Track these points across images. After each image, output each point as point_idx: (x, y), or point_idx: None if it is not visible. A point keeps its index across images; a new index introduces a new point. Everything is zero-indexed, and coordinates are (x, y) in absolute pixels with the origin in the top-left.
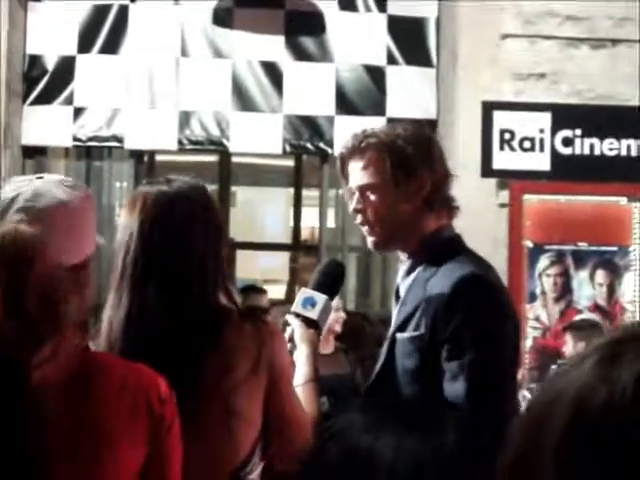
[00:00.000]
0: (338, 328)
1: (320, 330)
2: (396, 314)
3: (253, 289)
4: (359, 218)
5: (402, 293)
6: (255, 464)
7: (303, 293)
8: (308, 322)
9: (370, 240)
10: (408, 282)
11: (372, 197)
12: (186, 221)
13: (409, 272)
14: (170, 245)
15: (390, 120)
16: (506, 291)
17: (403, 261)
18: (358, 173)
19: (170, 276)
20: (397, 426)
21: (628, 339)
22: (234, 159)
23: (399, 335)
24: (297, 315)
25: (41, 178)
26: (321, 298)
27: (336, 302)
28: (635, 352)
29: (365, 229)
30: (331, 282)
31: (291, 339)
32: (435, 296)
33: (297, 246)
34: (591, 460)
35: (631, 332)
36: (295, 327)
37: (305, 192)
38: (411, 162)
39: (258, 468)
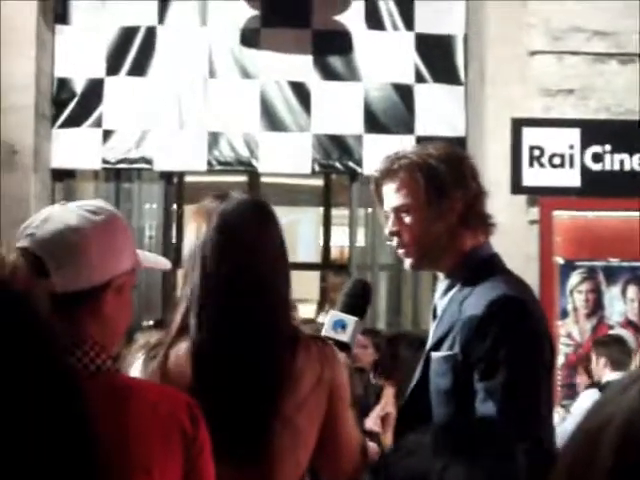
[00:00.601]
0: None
1: (351, 352)
2: (432, 333)
3: None
4: (395, 241)
5: (439, 312)
6: None
7: (333, 316)
8: (340, 345)
9: (407, 261)
10: (445, 301)
11: (407, 218)
12: (257, 235)
13: (446, 291)
14: (239, 267)
15: (419, 138)
16: (540, 310)
17: (441, 280)
18: (392, 195)
19: (243, 301)
20: (466, 453)
21: None
22: (263, 179)
23: (434, 354)
24: (329, 339)
25: (63, 205)
26: (351, 320)
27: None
28: None
29: (401, 251)
30: (358, 302)
31: None
32: (469, 316)
33: (327, 265)
34: None
35: None
36: None
37: (334, 211)
38: (444, 181)
39: None
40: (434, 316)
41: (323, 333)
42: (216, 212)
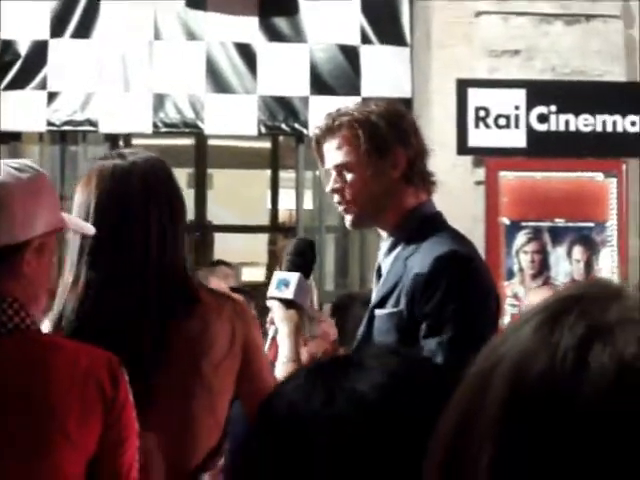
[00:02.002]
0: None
1: (301, 308)
2: (376, 292)
3: (222, 262)
4: (336, 198)
5: (383, 271)
6: None
7: (276, 276)
8: (286, 303)
9: (348, 218)
10: (389, 260)
11: (348, 175)
12: (142, 194)
13: (390, 250)
14: (128, 218)
15: (365, 100)
16: (486, 268)
17: (384, 239)
18: (333, 152)
19: (126, 253)
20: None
21: (569, 299)
22: (210, 142)
23: (377, 311)
24: (274, 298)
25: None
26: (293, 277)
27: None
28: (577, 313)
29: (342, 208)
30: (301, 261)
31: (272, 322)
32: (415, 272)
33: (275, 228)
34: (530, 431)
35: (576, 291)
36: (275, 309)
37: (282, 174)
38: (385, 138)
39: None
40: (378, 275)
41: (268, 294)
42: (105, 171)
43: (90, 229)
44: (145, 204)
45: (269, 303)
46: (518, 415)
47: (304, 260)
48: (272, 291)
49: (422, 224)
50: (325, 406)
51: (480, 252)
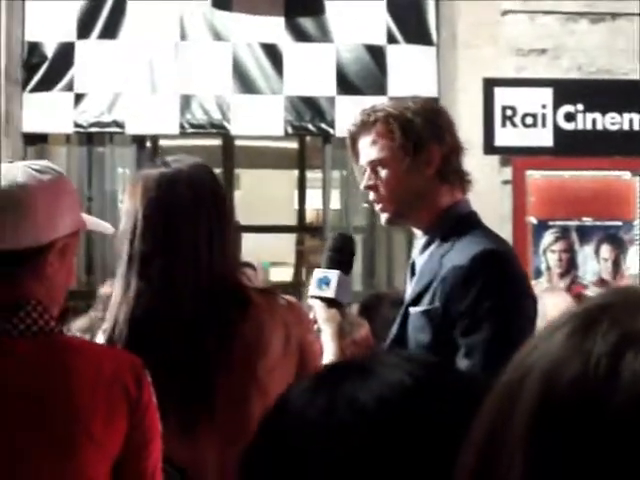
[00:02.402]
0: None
1: (342, 307)
2: (411, 289)
3: (244, 264)
4: (371, 195)
5: (418, 269)
6: None
7: (316, 274)
8: (328, 302)
9: (383, 216)
10: (424, 258)
11: (383, 172)
12: (189, 200)
13: (425, 248)
14: (175, 226)
15: (391, 100)
16: (523, 268)
17: (418, 237)
18: (368, 148)
19: (177, 261)
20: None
21: (602, 307)
22: (237, 142)
23: (412, 309)
24: (315, 297)
25: (11, 162)
26: (334, 274)
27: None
28: (610, 320)
29: (378, 206)
30: (340, 256)
31: (315, 322)
32: (451, 270)
33: (302, 228)
34: (562, 440)
35: (606, 299)
36: (316, 309)
37: (309, 174)
38: (420, 134)
39: None
40: (412, 273)
41: (309, 293)
42: (150, 180)
43: (109, 228)
44: (192, 210)
45: (310, 302)
46: (550, 423)
47: (343, 256)
48: (313, 290)
49: (457, 223)
50: (324, 414)
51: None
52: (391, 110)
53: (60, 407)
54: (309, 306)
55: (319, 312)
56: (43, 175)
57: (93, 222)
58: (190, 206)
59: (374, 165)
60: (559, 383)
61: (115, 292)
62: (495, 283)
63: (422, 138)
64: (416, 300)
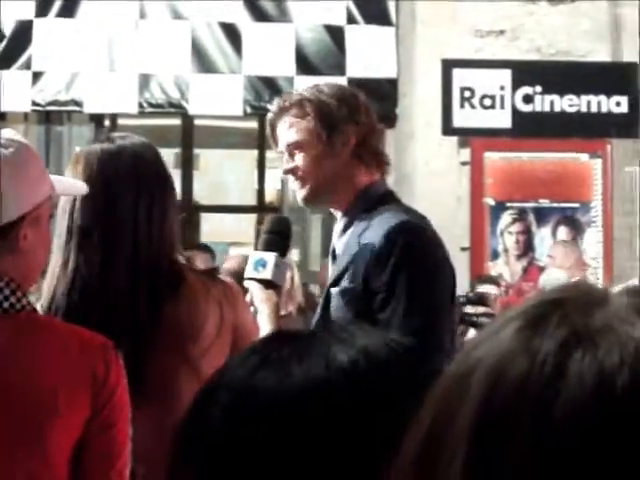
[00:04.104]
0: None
1: (279, 288)
2: (331, 271)
3: (198, 247)
4: (291, 178)
5: (338, 252)
6: None
7: (253, 256)
8: (265, 283)
9: (300, 196)
10: (344, 240)
11: (300, 154)
12: (130, 177)
13: (344, 230)
14: (115, 201)
15: (350, 80)
16: (439, 239)
17: (338, 219)
18: (285, 133)
19: (116, 236)
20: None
21: (553, 302)
22: (196, 122)
23: (333, 290)
24: (250, 279)
25: None
26: (270, 256)
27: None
28: (559, 318)
29: (296, 186)
30: (277, 239)
31: (252, 303)
32: (367, 247)
33: (262, 208)
34: (505, 439)
35: (558, 295)
36: (253, 290)
37: (268, 154)
38: (335, 116)
39: None
40: (333, 257)
41: (245, 275)
42: (92, 156)
43: (82, 188)
44: (133, 187)
45: (246, 284)
46: (493, 422)
47: (280, 238)
48: (249, 272)
49: (374, 202)
50: (253, 376)
51: (465, 232)
52: (305, 94)
53: (25, 385)
54: (245, 288)
55: (256, 293)
56: (6, 149)
57: (65, 184)
58: (131, 182)
59: (291, 149)
60: (505, 381)
61: (52, 265)
62: (409, 255)
63: (337, 119)
64: (336, 281)
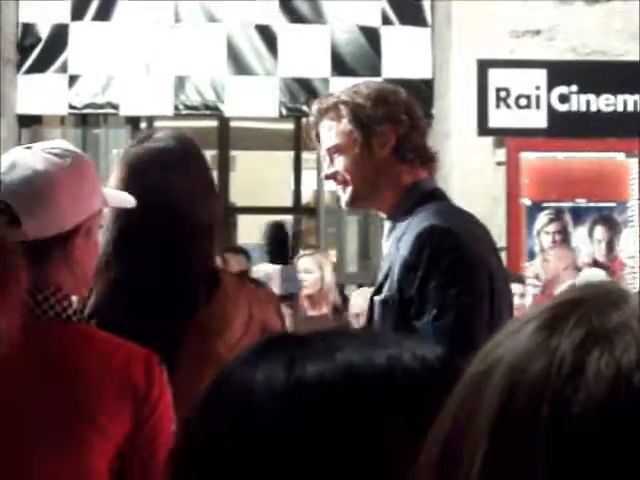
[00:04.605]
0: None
1: (293, 295)
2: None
3: (234, 249)
4: (333, 182)
5: (384, 255)
6: None
7: (256, 273)
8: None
9: (343, 200)
10: (388, 244)
11: (339, 158)
12: (176, 179)
13: (390, 232)
14: (152, 206)
15: (386, 81)
16: (472, 241)
17: (385, 221)
18: (324, 136)
19: (156, 238)
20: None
21: (572, 302)
22: (233, 123)
23: (376, 298)
24: None
25: (29, 148)
26: (275, 270)
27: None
28: (578, 316)
29: (338, 189)
30: (277, 248)
31: None
32: (401, 254)
33: (298, 209)
34: (524, 436)
35: (576, 295)
36: None
37: (304, 155)
38: (370, 117)
39: None
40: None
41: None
42: (124, 159)
43: (132, 201)
44: (175, 188)
45: None
46: (512, 419)
47: (279, 246)
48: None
49: (419, 201)
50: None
51: (502, 233)
52: (342, 96)
53: (67, 395)
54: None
55: None
56: (63, 160)
57: (114, 197)
58: (178, 185)
59: (331, 153)
60: (524, 379)
61: (98, 268)
62: (434, 262)
63: (372, 121)
64: (379, 289)
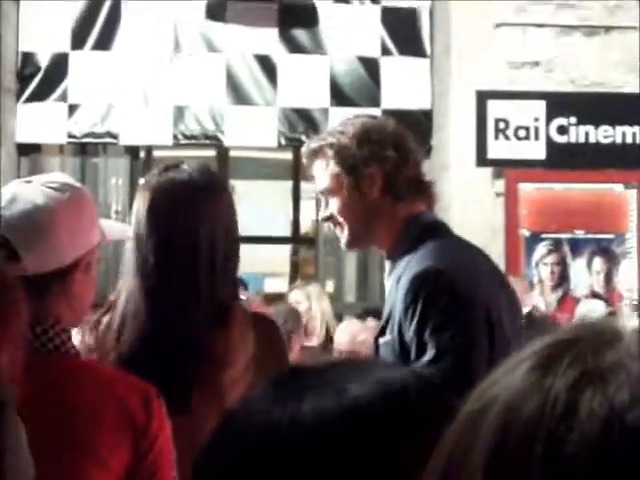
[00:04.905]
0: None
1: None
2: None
3: None
4: (330, 224)
5: (387, 294)
6: None
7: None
8: None
9: (342, 242)
10: (389, 285)
11: (332, 200)
12: (192, 215)
13: (391, 271)
14: (178, 241)
15: (385, 111)
16: (468, 280)
17: (386, 260)
18: (317, 179)
19: (178, 275)
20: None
21: (566, 342)
22: (232, 153)
23: (380, 340)
24: None
25: (29, 182)
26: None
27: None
28: (572, 356)
29: (337, 231)
30: None
31: None
32: (399, 296)
33: (297, 239)
34: (520, 476)
35: (571, 334)
36: None
37: (303, 185)
38: (356, 158)
39: None
40: None
41: None
42: (150, 189)
43: (127, 232)
44: (194, 223)
45: None
46: (506, 456)
47: None
48: None
49: (416, 238)
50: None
51: (500, 263)
52: (329, 138)
53: (67, 429)
54: None
55: None
56: (62, 194)
57: (113, 229)
58: (193, 224)
59: (324, 195)
60: (518, 419)
61: (120, 303)
62: (428, 306)
63: (359, 161)
64: (382, 330)
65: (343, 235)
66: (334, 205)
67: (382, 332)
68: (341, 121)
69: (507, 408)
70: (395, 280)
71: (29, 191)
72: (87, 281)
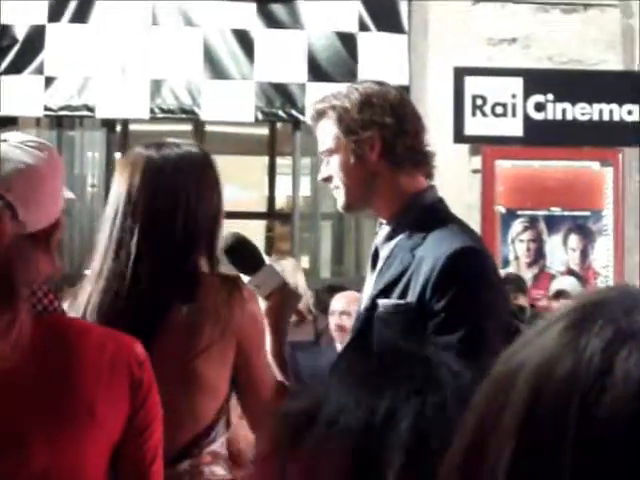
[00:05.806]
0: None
1: (271, 295)
2: (376, 278)
3: None
4: (330, 185)
5: (382, 258)
6: (218, 434)
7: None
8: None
9: (338, 203)
10: (390, 247)
11: (332, 161)
12: (174, 188)
13: (391, 237)
14: (155, 212)
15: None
16: (493, 259)
17: (383, 225)
18: (319, 139)
19: (154, 243)
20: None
21: (597, 303)
22: (208, 127)
23: (381, 301)
24: None
25: (5, 141)
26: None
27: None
28: (605, 317)
29: (335, 193)
30: (239, 259)
31: None
32: (427, 266)
33: (272, 214)
34: (552, 436)
35: (601, 296)
36: None
37: (279, 160)
38: (356, 121)
39: (222, 438)
40: (374, 262)
41: None
42: (142, 162)
43: (67, 193)
44: (173, 199)
45: None
46: (540, 418)
47: (239, 258)
48: None
49: (425, 212)
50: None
51: None
52: (332, 100)
53: (63, 387)
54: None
55: None
56: (43, 153)
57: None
58: (173, 196)
59: (325, 155)
60: (552, 379)
61: (91, 271)
62: (472, 283)
63: (357, 124)
64: (385, 292)
65: (340, 197)
66: (334, 166)
67: (383, 294)
68: (349, 85)
69: (540, 369)
70: (406, 247)
71: (17, 150)
72: (59, 240)
